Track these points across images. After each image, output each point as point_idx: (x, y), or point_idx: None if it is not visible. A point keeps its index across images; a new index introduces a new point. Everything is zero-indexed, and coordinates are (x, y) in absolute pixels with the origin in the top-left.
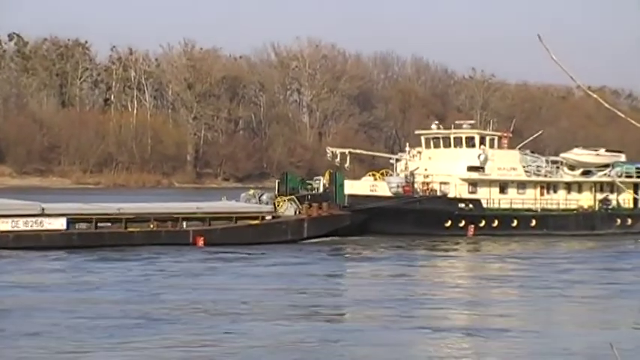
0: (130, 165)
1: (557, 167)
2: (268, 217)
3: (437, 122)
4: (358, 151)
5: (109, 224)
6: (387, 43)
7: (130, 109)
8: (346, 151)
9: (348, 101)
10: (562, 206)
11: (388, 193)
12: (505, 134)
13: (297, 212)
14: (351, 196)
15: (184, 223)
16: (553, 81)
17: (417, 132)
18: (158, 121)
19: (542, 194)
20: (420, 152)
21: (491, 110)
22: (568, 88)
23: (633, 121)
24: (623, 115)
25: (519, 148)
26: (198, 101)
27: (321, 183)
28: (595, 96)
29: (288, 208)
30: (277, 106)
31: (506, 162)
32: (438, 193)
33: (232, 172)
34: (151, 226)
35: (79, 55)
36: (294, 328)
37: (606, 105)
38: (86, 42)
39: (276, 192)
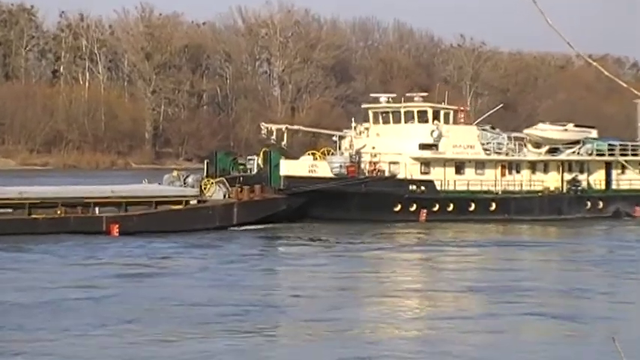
0: (82, 144)
1: (521, 145)
2: (193, 202)
3: (389, 96)
4: (296, 127)
5: (10, 210)
6: (367, 7)
7: (81, 82)
8: (283, 127)
9: (324, 72)
10: (526, 188)
11: (330, 175)
12: (462, 108)
13: (227, 196)
14: (287, 177)
15: (97, 209)
16: (550, 49)
17: (364, 105)
18: (112, 95)
19: (503, 175)
20: (367, 129)
21: (481, 82)
22: (567, 57)
23: (637, 92)
24: (625, 85)
25: (477, 124)
26: (157, 73)
27: (255, 163)
28: (596, 64)
29: (216, 192)
30: (245, 78)
31: (462, 139)
32: (387, 174)
33: (195, 152)
34: (58, 212)
35: (24, 22)
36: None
37: (608, 74)
38: (32, 7)
39: (205, 174)
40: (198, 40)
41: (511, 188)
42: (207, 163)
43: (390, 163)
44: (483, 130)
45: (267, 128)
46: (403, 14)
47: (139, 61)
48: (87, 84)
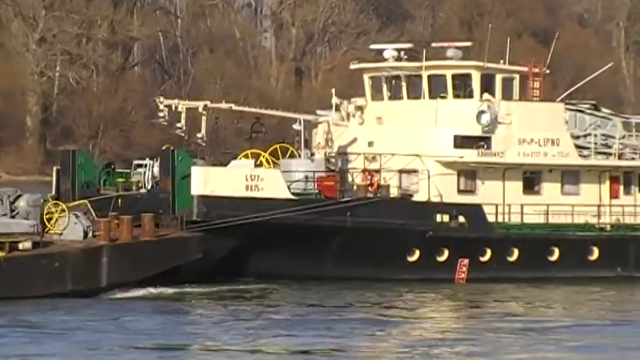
0: None
1: None
2: (27, 245)
3: (401, 47)
4: (225, 105)
5: None
6: None
7: None
8: (200, 104)
9: (356, 5)
10: None
11: (287, 194)
12: (536, 68)
13: (90, 234)
14: (205, 199)
15: None
16: None
17: (354, 66)
18: None
19: (614, 195)
20: (360, 108)
21: None
22: None
23: None
24: None
25: (563, 100)
26: (48, 6)
27: (149, 173)
28: None
29: (70, 227)
30: (211, 17)
31: (538, 128)
32: (394, 193)
33: (119, 151)
34: None
35: None
36: None
37: None
38: None
39: (54, 191)
40: None
41: (629, 219)
42: (57, 172)
43: (401, 172)
44: (577, 111)
45: (161, 103)
46: None
47: None
48: None
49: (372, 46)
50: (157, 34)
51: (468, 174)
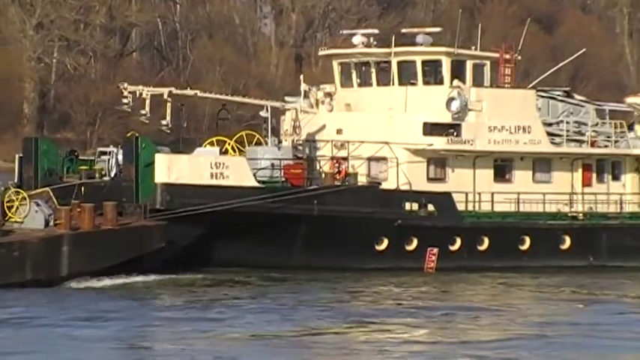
0: None
1: (622, 127)
2: None
3: (370, 33)
4: (186, 92)
5: None
6: None
7: None
8: (165, 90)
9: None
10: (631, 208)
11: (252, 182)
12: (507, 54)
13: (51, 222)
14: (169, 187)
15: None
16: None
17: (323, 52)
18: None
19: (586, 183)
20: (329, 94)
21: None
22: None
23: None
24: None
25: (534, 87)
26: None
27: (112, 160)
28: None
29: (31, 215)
30: (211, 3)
31: (509, 115)
32: (362, 181)
33: (120, 135)
34: None
35: None
36: None
37: None
38: None
39: (16, 179)
40: None
41: (602, 208)
42: (19, 159)
43: (371, 159)
44: (550, 98)
45: (125, 90)
46: None
47: None
48: None
49: (344, 31)
50: (156, 19)
51: (438, 162)
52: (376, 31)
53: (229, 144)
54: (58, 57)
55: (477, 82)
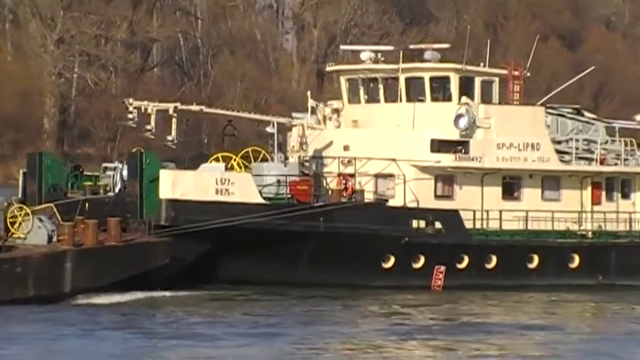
0: None
1: (632, 146)
2: None
3: (378, 50)
4: (192, 107)
5: None
6: None
7: None
8: (170, 106)
9: (379, 6)
10: (639, 226)
11: (258, 199)
12: (516, 71)
13: (55, 238)
14: (174, 203)
15: None
16: None
17: (330, 68)
18: None
19: (596, 201)
20: (337, 111)
21: None
22: None
23: None
24: None
25: (544, 104)
26: (66, 7)
27: (117, 176)
28: None
29: (34, 230)
30: (232, 19)
31: (517, 132)
32: (369, 198)
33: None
34: None
35: None
36: None
37: None
38: None
39: (21, 194)
40: None
41: (612, 226)
42: (24, 174)
43: (378, 176)
44: (559, 115)
45: (131, 105)
46: None
47: None
48: None
49: (343, 47)
50: (177, 35)
51: (446, 179)
52: (386, 48)
53: (235, 160)
54: (79, 72)
55: (486, 99)
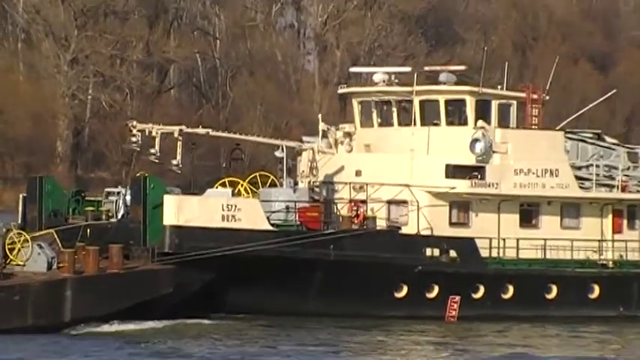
0: None
1: None
2: None
3: (392, 72)
4: (202, 130)
5: None
6: None
7: None
8: (176, 129)
9: (404, 27)
10: None
11: (266, 225)
12: (534, 94)
13: (54, 265)
14: (178, 230)
15: None
16: None
17: (342, 90)
18: None
19: (617, 229)
20: (349, 134)
21: None
22: None
23: None
24: None
25: (563, 129)
26: (81, 26)
27: (120, 201)
28: None
29: (33, 258)
30: (251, 39)
31: (535, 157)
32: (381, 225)
33: (157, 176)
34: None
35: None
36: None
37: None
38: None
39: (20, 219)
40: None
41: (633, 256)
42: (23, 200)
43: (390, 203)
44: (579, 140)
45: (134, 127)
46: None
47: (49, 5)
48: None
49: (352, 69)
50: (195, 55)
51: (461, 205)
52: (400, 69)
53: (242, 185)
54: (93, 93)
55: (503, 123)
